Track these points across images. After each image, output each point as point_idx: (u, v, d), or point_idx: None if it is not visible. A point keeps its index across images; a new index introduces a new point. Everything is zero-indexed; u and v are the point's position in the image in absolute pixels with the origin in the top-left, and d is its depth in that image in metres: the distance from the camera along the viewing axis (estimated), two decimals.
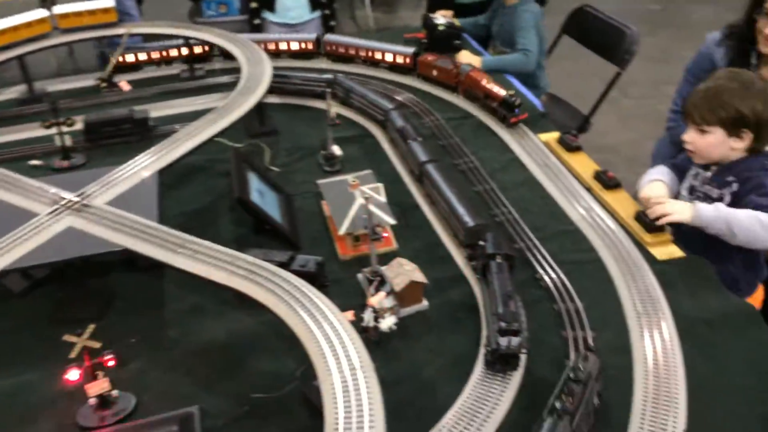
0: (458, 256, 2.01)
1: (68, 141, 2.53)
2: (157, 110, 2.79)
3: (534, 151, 2.50)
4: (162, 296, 1.90)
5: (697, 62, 2.62)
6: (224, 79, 3.03)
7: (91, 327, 1.48)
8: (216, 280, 1.63)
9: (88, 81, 3.19)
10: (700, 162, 2.12)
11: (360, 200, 1.93)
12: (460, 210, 1.99)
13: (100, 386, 1.50)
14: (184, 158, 2.22)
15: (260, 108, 2.60)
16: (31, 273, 1.92)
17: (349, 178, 2.08)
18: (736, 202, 2.02)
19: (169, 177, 2.33)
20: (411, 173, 2.37)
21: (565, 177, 2.34)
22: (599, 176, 2.30)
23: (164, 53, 3.27)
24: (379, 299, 1.73)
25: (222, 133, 2.32)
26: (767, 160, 2.03)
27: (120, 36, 3.15)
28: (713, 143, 2.02)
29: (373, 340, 1.70)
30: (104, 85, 3.10)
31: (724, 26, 2.53)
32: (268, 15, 4.10)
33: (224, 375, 1.65)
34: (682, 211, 2.00)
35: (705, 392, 1.53)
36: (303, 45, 3.24)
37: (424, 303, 1.83)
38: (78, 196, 1.97)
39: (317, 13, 4.17)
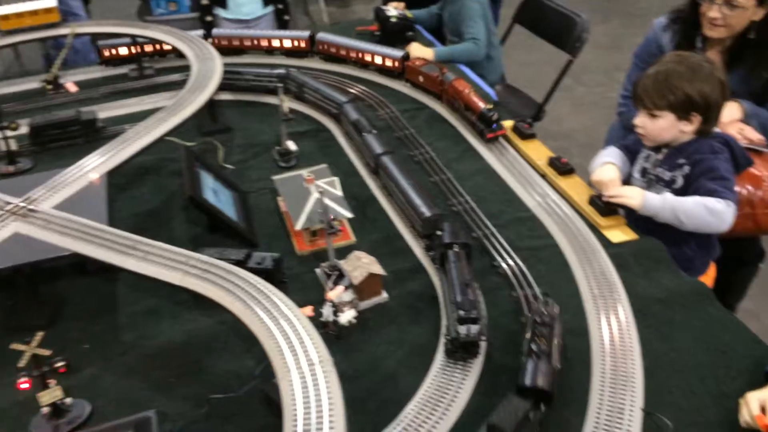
0: (416, 247, 2.01)
1: (13, 145, 2.45)
2: (105, 111, 2.72)
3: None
4: (115, 300, 1.86)
5: (645, 47, 2.66)
6: (174, 77, 2.98)
7: (40, 334, 1.43)
8: (169, 281, 1.60)
9: (33, 83, 3.09)
10: (651, 145, 2.15)
11: (315, 195, 1.91)
12: (417, 201, 1.99)
13: (52, 394, 1.46)
14: (134, 159, 2.17)
15: (212, 105, 2.56)
16: None
17: (304, 172, 2.06)
18: (688, 185, 2.06)
19: (120, 178, 2.29)
20: (367, 166, 2.36)
21: (520, 165, 2.36)
22: (553, 163, 2.33)
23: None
24: (337, 293, 1.72)
25: (173, 132, 2.27)
26: (716, 143, 2.06)
27: (65, 36, 3.07)
28: (664, 127, 2.05)
29: (333, 334, 1.69)
30: (50, 87, 3.02)
31: (670, 11, 2.57)
32: (220, 11, 4.03)
33: (182, 377, 1.62)
34: (633, 197, 2.03)
35: (660, 370, 1.56)
36: (295, 43, 3.17)
37: (384, 295, 1.83)
38: (24, 201, 1.91)
39: (270, 9, 4.12)
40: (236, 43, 3.22)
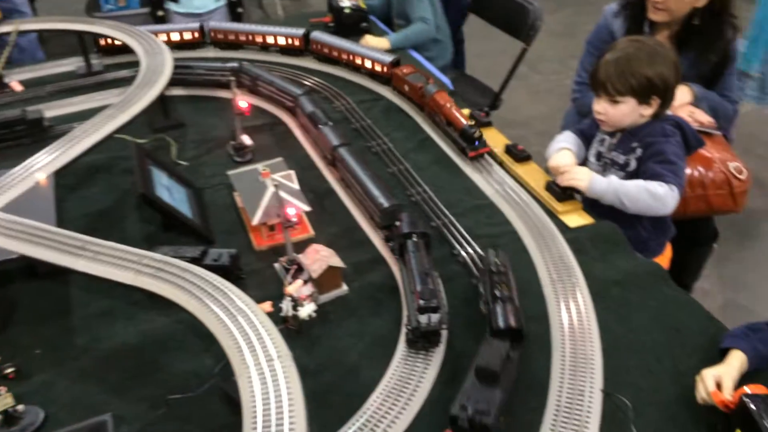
0: (376, 238, 2.00)
1: None
2: (52, 110, 2.64)
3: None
4: (68, 303, 1.80)
5: (597, 34, 2.69)
6: (123, 73, 2.90)
7: None
8: (122, 281, 1.55)
9: None
10: (609, 130, 2.17)
11: (271, 189, 1.88)
12: (375, 192, 1.98)
13: (2, 402, 1.42)
14: (84, 158, 2.10)
15: (163, 101, 2.50)
16: None
17: (260, 166, 2.03)
18: (640, 168, 2.08)
19: (70, 178, 2.22)
20: (324, 158, 2.34)
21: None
22: (510, 150, 2.34)
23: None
24: (296, 287, 1.70)
25: (123, 129, 2.21)
26: (668, 125, 2.09)
27: (8, 34, 2.96)
28: (626, 112, 2.06)
29: (293, 329, 1.67)
30: None
31: None
32: (171, 5, 3.96)
33: (138, 379, 1.58)
34: (581, 179, 2.05)
35: (619, 351, 1.58)
36: (289, 41, 3.08)
37: (344, 288, 1.81)
38: None
39: (223, 2, 4.06)
40: (231, 37, 3.15)
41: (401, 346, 1.62)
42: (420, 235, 1.78)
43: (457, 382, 1.49)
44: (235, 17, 4.09)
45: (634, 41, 2.09)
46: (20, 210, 1.82)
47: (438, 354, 1.59)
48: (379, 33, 3.37)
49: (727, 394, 1.39)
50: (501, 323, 1.50)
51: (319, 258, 1.75)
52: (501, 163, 2.31)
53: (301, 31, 3.07)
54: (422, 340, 1.58)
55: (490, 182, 2.21)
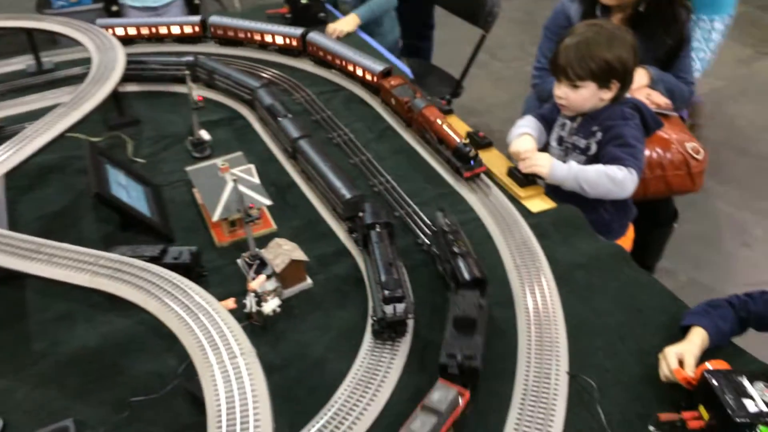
0: (339, 230, 1.98)
1: None
2: (2, 110, 2.56)
3: None
4: (24, 307, 1.75)
5: (554, 19, 2.69)
6: (75, 70, 2.83)
7: None
8: (78, 284, 1.51)
9: None
10: (570, 114, 2.17)
11: (231, 184, 1.85)
12: (337, 183, 1.96)
13: None
14: (35, 158, 2.04)
15: (117, 97, 2.44)
16: None
17: (218, 161, 1.99)
18: (600, 151, 2.10)
19: (22, 180, 2.16)
20: (284, 151, 2.31)
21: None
22: (471, 137, 2.34)
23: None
24: (259, 283, 1.68)
25: (75, 128, 2.15)
26: (626, 108, 2.10)
27: None
28: (586, 97, 2.07)
29: (257, 325, 1.65)
30: None
31: None
32: (126, 0, 3.86)
33: (100, 382, 1.54)
34: (543, 165, 2.06)
35: (583, 333, 1.60)
36: (287, 40, 2.99)
37: (308, 281, 1.79)
38: None
39: None
40: (231, 33, 3.08)
41: (368, 338, 1.61)
42: (383, 225, 1.77)
43: (425, 371, 1.49)
44: (193, 10, 4.01)
45: (592, 25, 2.10)
46: None
47: (405, 343, 1.58)
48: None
49: (690, 371, 1.41)
50: (467, 275, 1.58)
51: (282, 252, 1.73)
52: None
53: (299, 31, 2.98)
54: (388, 331, 1.57)
55: (452, 170, 2.20)
